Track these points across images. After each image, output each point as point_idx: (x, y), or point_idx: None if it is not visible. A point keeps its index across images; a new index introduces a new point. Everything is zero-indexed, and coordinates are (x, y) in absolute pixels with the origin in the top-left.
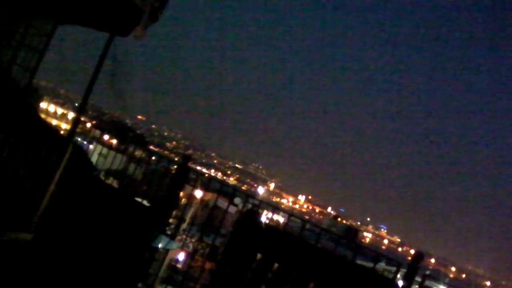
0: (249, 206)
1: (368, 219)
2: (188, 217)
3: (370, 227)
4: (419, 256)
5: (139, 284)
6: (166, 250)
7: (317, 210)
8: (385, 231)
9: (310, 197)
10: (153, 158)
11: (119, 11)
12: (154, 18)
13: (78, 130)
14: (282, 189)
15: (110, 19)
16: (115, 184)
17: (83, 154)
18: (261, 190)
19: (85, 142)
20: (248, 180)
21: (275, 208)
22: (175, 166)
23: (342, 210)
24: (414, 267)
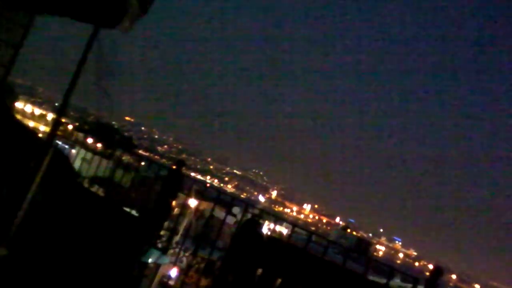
0: (249, 216)
1: (381, 230)
2: (181, 229)
3: (383, 239)
4: (439, 272)
5: None
6: (157, 266)
7: (324, 221)
8: (400, 243)
9: (316, 206)
10: (143, 163)
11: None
12: (144, 9)
13: (58, 132)
14: (285, 197)
15: (95, 9)
16: (100, 192)
17: (65, 159)
18: (262, 198)
19: (66, 146)
20: (248, 188)
21: (278, 218)
22: (167, 172)
23: (352, 220)
24: (433, 284)
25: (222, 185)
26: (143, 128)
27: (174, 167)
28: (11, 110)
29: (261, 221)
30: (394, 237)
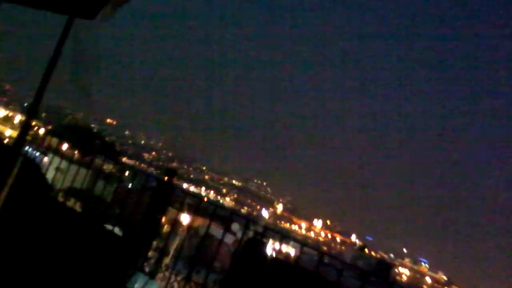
0: (251, 234)
1: (405, 250)
2: (172, 249)
3: (407, 260)
4: None
5: None
6: None
7: (337, 239)
8: (427, 266)
9: (328, 222)
10: (127, 173)
11: None
12: None
13: (28, 137)
14: (293, 212)
15: None
16: (77, 207)
17: (36, 169)
18: (265, 213)
19: (37, 154)
20: (249, 201)
21: (284, 236)
22: (156, 184)
23: (370, 238)
24: None
25: (219, 198)
26: (127, 132)
27: (163, 177)
28: None
29: (264, 240)
30: (420, 258)
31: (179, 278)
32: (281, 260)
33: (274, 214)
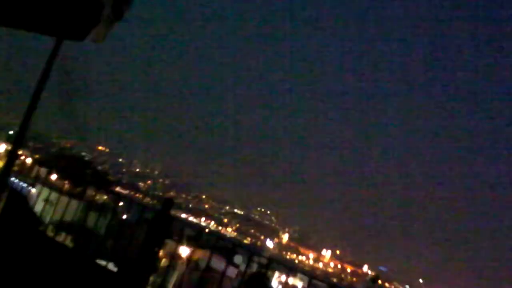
0: (255, 266)
1: (421, 281)
2: (171, 285)
3: None
4: None
5: None
6: None
7: (348, 270)
8: None
9: (338, 252)
10: (121, 204)
11: (70, 5)
12: (119, 14)
13: (14, 168)
14: (300, 241)
15: (57, 17)
16: (68, 242)
17: (23, 201)
18: (270, 244)
19: (25, 185)
20: (253, 231)
21: (291, 268)
22: (152, 215)
23: (384, 269)
24: None
25: (220, 228)
26: (120, 159)
27: (162, 207)
28: None
29: (270, 272)
30: None
31: None
32: None
33: (279, 245)
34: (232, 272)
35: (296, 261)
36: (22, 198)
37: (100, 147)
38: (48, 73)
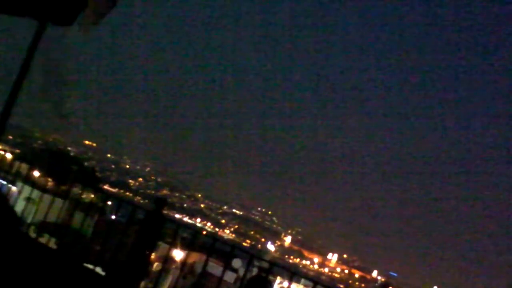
0: (255, 271)
1: (435, 287)
2: None
3: None
4: None
5: None
6: None
7: (356, 275)
8: None
9: (345, 256)
10: (109, 203)
11: None
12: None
13: None
14: (303, 244)
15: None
16: (52, 244)
17: (2, 200)
18: (271, 247)
19: (4, 182)
20: (253, 233)
21: (294, 273)
22: (143, 215)
23: (394, 274)
24: None
25: (217, 230)
26: (109, 155)
27: (154, 207)
28: None
29: (271, 277)
30: None
31: None
32: None
33: (281, 248)
34: (230, 277)
35: (300, 266)
36: (1, 197)
37: (87, 142)
38: (30, 62)
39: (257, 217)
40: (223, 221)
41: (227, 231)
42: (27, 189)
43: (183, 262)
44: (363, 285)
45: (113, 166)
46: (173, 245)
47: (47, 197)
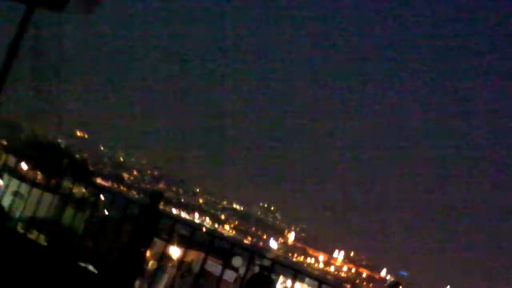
0: (256, 269)
1: (448, 287)
2: None
3: None
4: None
5: None
6: None
7: (364, 275)
8: None
9: (352, 254)
10: (102, 197)
11: None
12: None
13: None
14: (308, 242)
15: None
16: (42, 240)
17: None
18: (274, 244)
19: None
20: (254, 229)
21: (298, 271)
22: (138, 210)
23: (404, 273)
24: None
25: (217, 226)
26: (102, 147)
27: (150, 202)
28: None
29: (273, 276)
30: None
31: None
32: None
33: (284, 245)
34: (230, 276)
35: (304, 264)
36: None
37: (78, 133)
38: (17, 47)
39: (259, 213)
40: (222, 216)
41: (227, 228)
42: (14, 183)
43: (180, 260)
44: (371, 284)
45: (106, 159)
46: (169, 242)
47: (35, 192)
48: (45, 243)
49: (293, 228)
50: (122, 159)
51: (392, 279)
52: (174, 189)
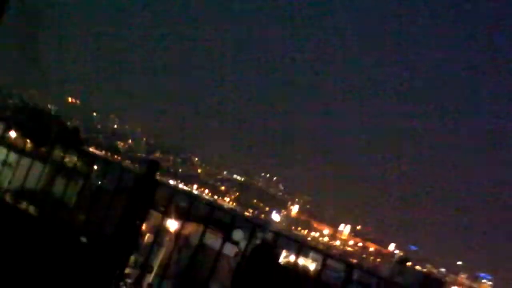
0: (258, 242)
1: (460, 263)
2: (156, 265)
3: (462, 276)
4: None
5: None
6: None
7: (371, 249)
8: (490, 283)
9: (358, 227)
10: (95, 167)
11: None
12: None
13: None
14: (312, 215)
15: None
16: (32, 211)
17: None
18: (277, 216)
19: None
20: (255, 201)
21: (302, 245)
22: (133, 181)
23: (414, 247)
24: None
25: (216, 197)
26: (95, 114)
27: (146, 171)
28: None
29: (276, 250)
30: (480, 274)
31: None
32: (301, 272)
33: (287, 218)
34: (230, 250)
35: (308, 238)
36: None
37: (70, 99)
38: (3, 10)
39: (260, 184)
40: (222, 188)
41: (227, 199)
42: (2, 152)
43: (178, 234)
44: (378, 259)
45: (99, 126)
46: (166, 214)
47: (25, 161)
48: (35, 214)
49: (296, 200)
50: (116, 127)
51: (401, 254)
52: (171, 158)
